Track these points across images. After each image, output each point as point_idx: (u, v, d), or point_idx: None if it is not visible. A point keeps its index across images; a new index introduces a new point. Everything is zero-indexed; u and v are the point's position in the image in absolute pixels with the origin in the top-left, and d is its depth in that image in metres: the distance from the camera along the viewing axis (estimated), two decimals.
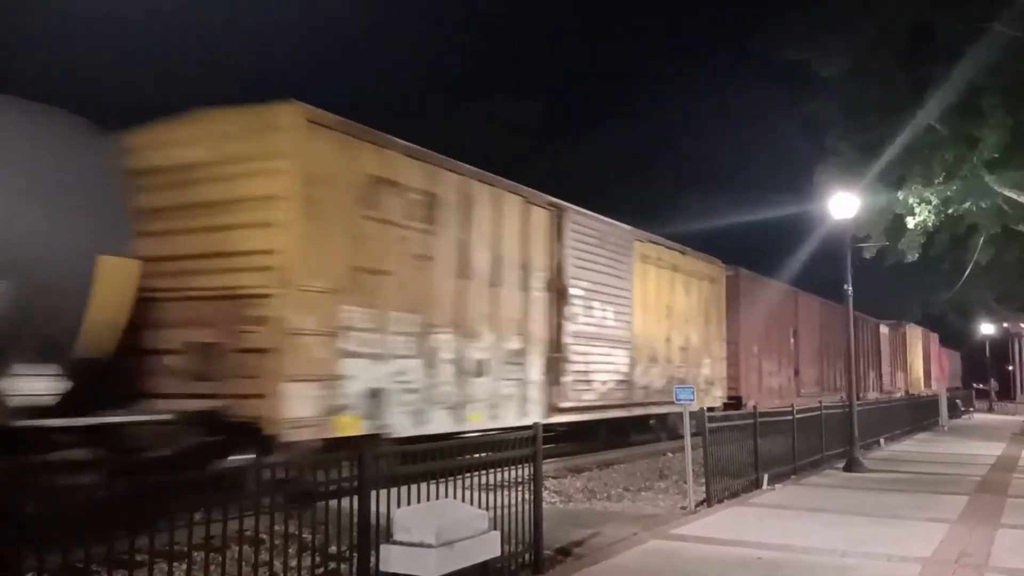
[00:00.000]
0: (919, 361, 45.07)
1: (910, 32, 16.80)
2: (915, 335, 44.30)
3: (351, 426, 8.96)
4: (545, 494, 7.77)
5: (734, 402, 20.07)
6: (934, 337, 50.15)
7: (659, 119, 68.29)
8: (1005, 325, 48.38)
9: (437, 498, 5.59)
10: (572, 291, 13.32)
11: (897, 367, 39.69)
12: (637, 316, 15.51)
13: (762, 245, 37.57)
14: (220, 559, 4.70)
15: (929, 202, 16.59)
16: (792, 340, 25.42)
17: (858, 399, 16.02)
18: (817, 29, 17.07)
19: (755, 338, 22.31)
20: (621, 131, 57.63)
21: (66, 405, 7.09)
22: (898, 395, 34.25)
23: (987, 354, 49.60)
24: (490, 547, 5.40)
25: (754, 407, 11.53)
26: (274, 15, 38.80)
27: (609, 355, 14.54)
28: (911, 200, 16.77)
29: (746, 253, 26.34)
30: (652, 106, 70.82)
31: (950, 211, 16.99)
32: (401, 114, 29.14)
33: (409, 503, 5.36)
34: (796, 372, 25.35)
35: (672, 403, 11.22)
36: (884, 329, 36.71)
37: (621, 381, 14.92)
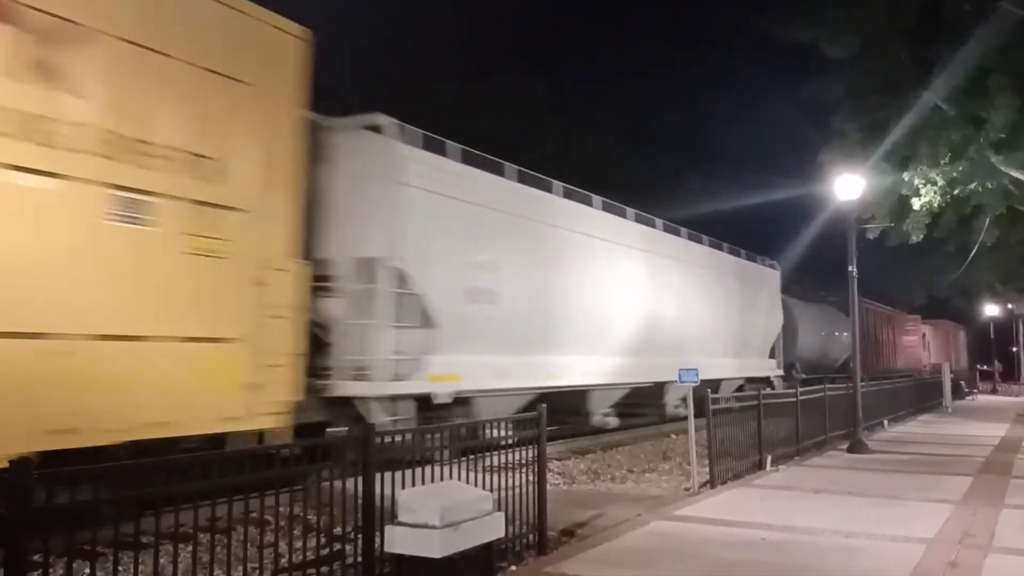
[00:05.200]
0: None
1: (918, 12, 16.65)
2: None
3: None
4: (549, 476, 7.81)
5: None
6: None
7: (663, 101, 67.95)
8: (1010, 307, 48.27)
9: (442, 479, 5.60)
10: None
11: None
12: None
13: (767, 228, 37.42)
14: (225, 540, 4.72)
15: (935, 183, 16.48)
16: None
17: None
18: (824, 9, 16.93)
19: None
20: (625, 112, 57.30)
21: None
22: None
23: (991, 336, 49.52)
24: (494, 528, 5.42)
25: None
26: None
27: None
28: (916, 181, 16.66)
29: (750, 236, 25.78)
30: (656, 88, 70.40)
31: (955, 192, 16.88)
32: (405, 92, 28.80)
33: (414, 484, 5.38)
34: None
35: None
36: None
37: None
